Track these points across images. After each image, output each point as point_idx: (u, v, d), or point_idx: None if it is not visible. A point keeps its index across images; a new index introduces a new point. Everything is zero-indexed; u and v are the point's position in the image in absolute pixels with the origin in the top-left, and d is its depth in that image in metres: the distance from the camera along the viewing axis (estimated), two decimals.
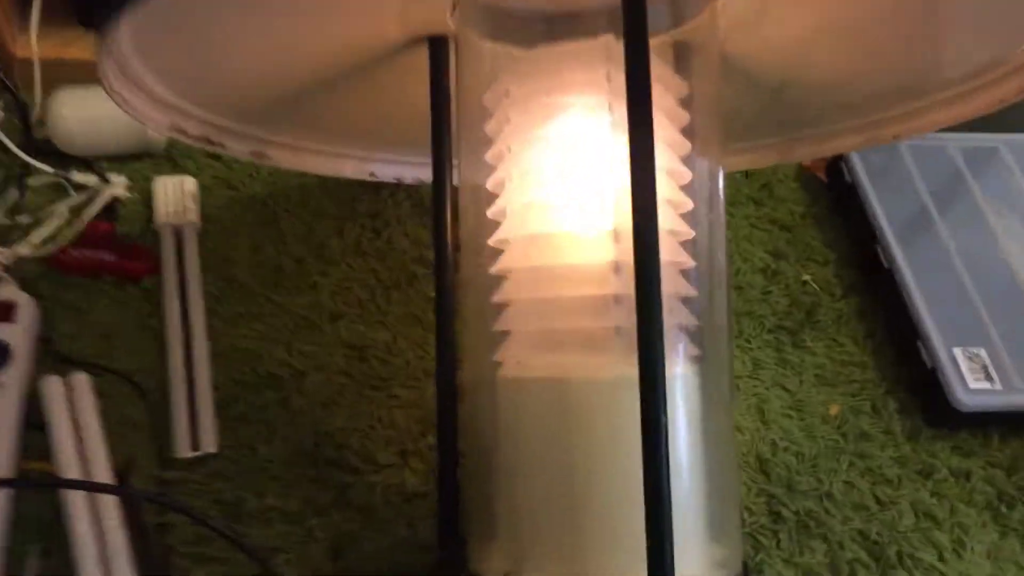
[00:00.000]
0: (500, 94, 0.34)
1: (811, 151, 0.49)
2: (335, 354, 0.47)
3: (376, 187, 0.53)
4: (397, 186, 0.53)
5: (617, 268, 0.31)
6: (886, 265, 0.53)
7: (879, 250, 0.54)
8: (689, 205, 0.34)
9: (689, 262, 0.34)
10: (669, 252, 0.33)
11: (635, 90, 0.29)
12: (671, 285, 0.32)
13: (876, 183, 0.56)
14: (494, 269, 0.34)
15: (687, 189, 0.34)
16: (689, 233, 0.34)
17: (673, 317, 0.32)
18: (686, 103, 0.34)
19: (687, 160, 0.34)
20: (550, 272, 0.33)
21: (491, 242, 0.34)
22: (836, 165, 0.59)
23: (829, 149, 0.48)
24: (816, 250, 0.56)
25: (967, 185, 0.58)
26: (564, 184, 0.32)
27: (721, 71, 0.36)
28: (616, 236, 0.32)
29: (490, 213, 0.35)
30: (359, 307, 0.49)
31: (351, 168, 0.49)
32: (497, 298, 0.34)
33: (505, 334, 0.34)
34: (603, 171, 0.32)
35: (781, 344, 0.51)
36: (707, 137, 0.35)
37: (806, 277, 0.55)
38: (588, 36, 0.33)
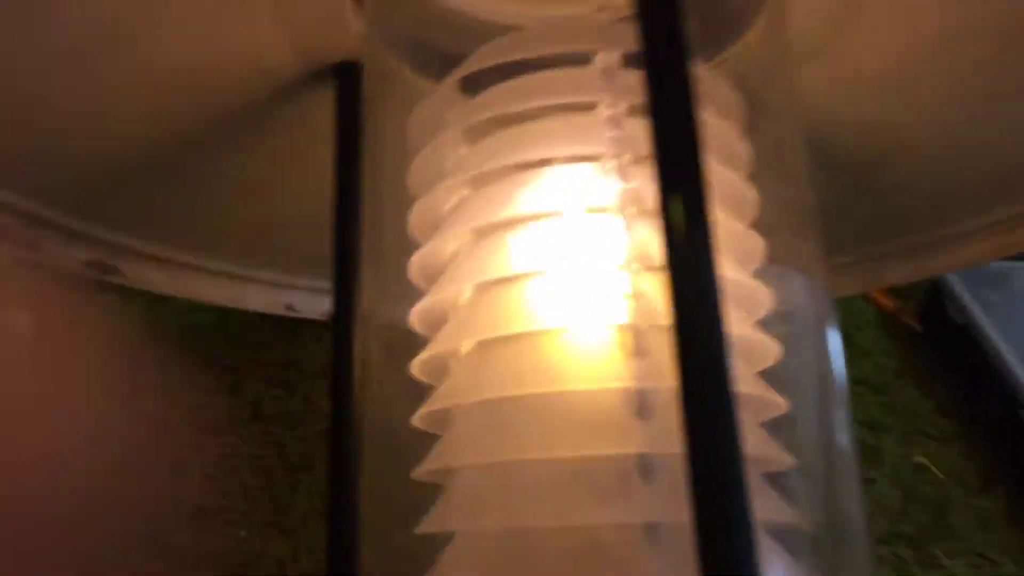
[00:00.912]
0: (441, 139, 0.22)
1: (912, 270, 0.35)
2: None
3: (295, 326, 0.39)
4: (325, 325, 0.39)
5: (642, 405, 0.17)
6: None
7: None
8: (766, 307, 0.20)
9: (777, 403, 0.19)
10: (742, 381, 0.18)
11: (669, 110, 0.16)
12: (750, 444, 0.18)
13: (1001, 324, 0.42)
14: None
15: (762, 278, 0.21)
16: (771, 354, 0.20)
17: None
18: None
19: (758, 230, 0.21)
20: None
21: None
22: (935, 303, 0.45)
23: (942, 265, 0.35)
24: (928, 420, 0.41)
25: None
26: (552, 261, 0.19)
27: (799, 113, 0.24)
28: (637, 341, 0.17)
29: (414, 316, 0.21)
30: (243, 502, 0.34)
31: (258, 297, 0.36)
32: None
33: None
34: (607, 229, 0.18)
35: (902, 563, 0.35)
36: (789, 201, 0.22)
37: (920, 459, 0.39)
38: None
